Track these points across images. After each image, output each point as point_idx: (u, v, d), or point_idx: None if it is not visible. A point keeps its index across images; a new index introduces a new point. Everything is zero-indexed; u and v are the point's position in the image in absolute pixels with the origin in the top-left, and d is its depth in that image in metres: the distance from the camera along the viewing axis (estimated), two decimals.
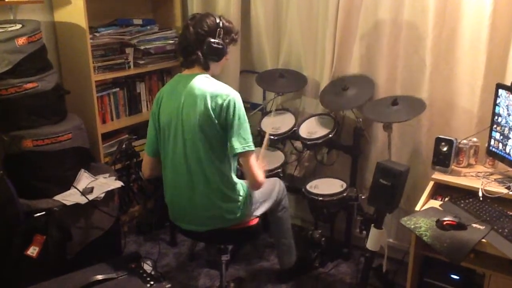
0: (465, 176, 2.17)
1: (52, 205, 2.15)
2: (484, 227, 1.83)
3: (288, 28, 2.88)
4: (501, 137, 2.08)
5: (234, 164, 2.04)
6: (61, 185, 2.30)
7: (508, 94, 2.00)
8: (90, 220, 2.30)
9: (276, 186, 2.30)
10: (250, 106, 3.14)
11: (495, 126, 2.11)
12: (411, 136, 2.54)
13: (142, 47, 2.94)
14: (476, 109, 2.29)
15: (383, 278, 2.39)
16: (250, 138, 1.92)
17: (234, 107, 1.88)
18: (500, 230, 1.80)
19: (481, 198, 2.01)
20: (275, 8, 2.91)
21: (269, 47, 2.98)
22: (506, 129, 2.04)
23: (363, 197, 2.56)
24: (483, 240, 1.77)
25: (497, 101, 2.07)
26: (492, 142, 2.13)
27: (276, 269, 2.68)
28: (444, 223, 1.83)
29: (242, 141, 1.88)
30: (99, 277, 1.82)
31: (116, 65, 2.86)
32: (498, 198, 1.99)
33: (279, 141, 2.79)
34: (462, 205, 2.01)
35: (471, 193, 2.07)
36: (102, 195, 2.30)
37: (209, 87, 1.90)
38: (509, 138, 2.03)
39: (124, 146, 2.88)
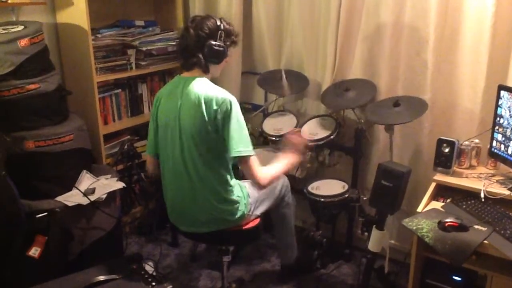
0: (467, 177, 2.17)
1: (54, 206, 2.16)
2: (486, 229, 1.82)
3: (289, 30, 2.89)
4: (503, 138, 2.08)
5: (231, 166, 2.02)
6: (63, 186, 2.30)
7: (510, 96, 2.00)
8: (92, 221, 2.30)
9: (279, 183, 2.28)
10: (251, 108, 3.14)
11: (497, 127, 2.10)
12: (412, 138, 2.54)
13: (144, 48, 2.94)
14: (478, 110, 2.29)
15: (385, 280, 2.39)
16: (248, 142, 1.88)
17: (231, 111, 1.85)
18: (502, 232, 1.80)
19: (483, 200, 2.01)
20: (277, 10, 2.91)
21: (271, 48, 2.99)
22: (508, 130, 2.04)
23: (364, 198, 2.56)
24: (485, 241, 1.76)
25: (499, 103, 2.07)
26: (494, 143, 2.13)
27: (277, 270, 2.68)
28: (446, 224, 1.83)
29: (240, 146, 1.85)
30: (101, 278, 1.82)
31: (118, 66, 2.86)
32: (500, 200, 1.99)
33: (281, 143, 2.79)
34: (464, 206, 2.00)
35: (473, 194, 2.07)
36: (104, 196, 2.31)
37: (205, 91, 1.88)
38: (511, 140, 2.03)
39: (126, 147, 2.89)
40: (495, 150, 2.14)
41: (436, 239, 1.79)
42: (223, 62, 2.00)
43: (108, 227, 2.38)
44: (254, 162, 1.90)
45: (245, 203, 2.05)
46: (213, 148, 1.91)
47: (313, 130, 2.66)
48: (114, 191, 2.40)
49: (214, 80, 2.00)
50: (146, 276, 1.86)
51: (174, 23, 3.17)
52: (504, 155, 2.09)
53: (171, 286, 1.79)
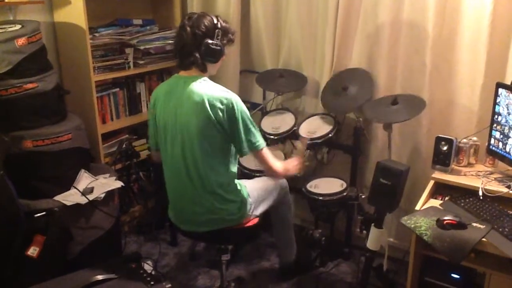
0: (465, 175, 2.17)
1: (53, 205, 2.16)
2: (484, 226, 1.83)
3: (287, 28, 2.89)
4: (501, 136, 2.08)
5: (231, 166, 2.03)
6: (61, 185, 2.30)
7: (508, 93, 2.00)
8: (91, 220, 2.30)
9: (278, 183, 2.29)
10: (250, 106, 3.14)
11: (495, 125, 2.11)
12: (411, 136, 2.54)
13: (142, 47, 2.94)
14: (476, 108, 2.30)
15: (384, 278, 2.39)
16: (257, 136, 1.94)
17: (236, 110, 1.87)
18: (500, 229, 1.80)
19: (481, 197, 2.01)
20: (275, 8, 2.91)
21: (269, 47, 2.99)
22: (506, 128, 2.04)
23: (363, 196, 2.56)
24: (484, 239, 1.77)
25: (497, 100, 2.07)
26: (492, 141, 2.13)
27: (276, 268, 2.68)
28: (445, 222, 1.83)
29: (250, 141, 1.91)
30: (100, 277, 1.81)
31: (116, 65, 2.86)
32: (498, 197, 1.99)
33: (279, 141, 2.79)
34: (462, 204, 2.01)
35: (471, 192, 2.07)
36: (103, 195, 2.30)
37: (208, 91, 1.88)
38: (509, 137, 2.03)
39: (124, 146, 2.88)
40: (493, 148, 2.14)
41: (435, 237, 1.80)
42: (220, 60, 2.00)
43: (107, 226, 2.38)
44: (268, 153, 1.97)
45: (245, 203, 2.05)
46: (215, 148, 1.91)
47: (312, 129, 2.66)
48: (112, 190, 2.39)
49: (211, 78, 2.00)
50: (145, 275, 1.85)
51: (172, 22, 3.17)
52: (502, 152, 2.09)
53: (170, 285, 1.79)
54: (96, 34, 2.72)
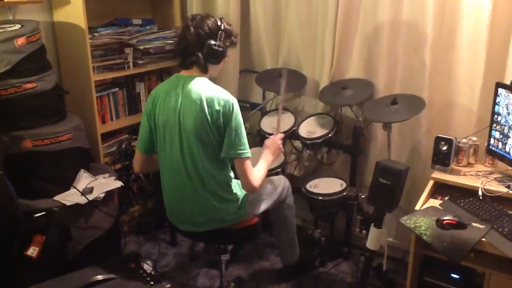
0: (464, 175, 2.18)
1: (52, 205, 2.15)
2: (484, 226, 1.83)
3: (287, 28, 2.89)
4: (501, 136, 2.08)
5: (230, 165, 2.03)
6: (61, 185, 2.29)
7: (507, 93, 2.00)
8: (90, 220, 2.30)
9: (280, 184, 2.29)
10: (249, 106, 3.14)
11: (494, 125, 2.11)
12: (410, 135, 2.54)
13: (141, 47, 2.94)
14: (475, 108, 2.30)
15: (383, 278, 2.39)
16: (246, 144, 1.91)
17: (232, 112, 1.87)
18: (500, 229, 1.80)
19: (480, 197, 2.01)
20: (275, 8, 2.91)
21: (269, 46, 2.99)
22: (506, 128, 2.04)
23: (362, 196, 2.56)
24: (483, 239, 1.77)
25: (497, 100, 2.07)
26: (492, 141, 2.14)
27: (276, 268, 2.68)
28: (444, 222, 1.83)
29: (237, 147, 1.88)
30: (99, 277, 1.81)
31: (115, 65, 2.85)
32: (498, 197, 1.99)
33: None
34: (462, 204, 2.01)
35: (470, 192, 2.07)
36: (102, 195, 2.30)
37: (207, 91, 1.89)
38: (509, 137, 2.03)
39: (123, 146, 2.88)
40: (493, 148, 2.14)
41: (434, 237, 1.80)
42: (222, 62, 2.00)
43: (106, 226, 2.38)
44: (249, 164, 1.94)
45: (244, 203, 2.05)
46: (212, 147, 1.91)
47: (311, 128, 2.66)
48: (112, 190, 2.39)
49: (212, 80, 2.00)
50: (145, 275, 1.86)
51: (172, 22, 3.17)
52: (502, 152, 2.09)
53: (169, 285, 1.79)
54: (96, 34, 2.72)
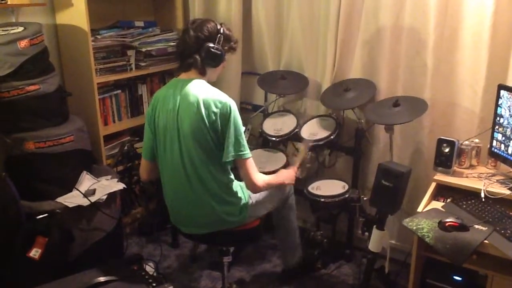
0: (467, 177, 2.17)
1: (54, 207, 2.16)
2: (486, 228, 1.82)
3: (289, 30, 2.89)
4: (503, 138, 2.08)
5: (230, 168, 2.03)
6: (63, 187, 2.30)
7: (510, 95, 2.00)
8: (92, 222, 2.30)
9: (282, 185, 2.29)
10: (251, 108, 3.14)
11: (497, 127, 2.10)
12: (413, 137, 2.54)
13: (143, 49, 2.95)
14: (478, 110, 2.29)
15: (385, 280, 2.38)
16: (245, 145, 1.92)
17: (230, 114, 1.87)
18: (502, 231, 1.80)
19: (483, 199, 2.01)
20: (277, 10, 2.91)
21: (271, 48, 2.99)
22: (508, 130, 2.04)
23: (365, 198, 2.56)
24: (486, 241, 1.76)
25: (499, 102, 2.07)
26: (494, 143, 2.13)
27: (278, 270, 2.68)
28: (446, 224, 1.83)
29: (237, 149, 1.89)
30: (101, 279, 1.82)
31: (117, 67, 2.86)
32: (500, 199, 1.99)
33: (281, 143, 2.79)
34: (464, 206, 2.00)
35: (473, 194, 2.07)
36: (104, 197, 2.31)
37: (204, 93, 1.89)
38: (511, 139, 2.03)
39: (126, 148, 2.89)
40: (495, 150, 2.14)
41: (437, 239, 1.79)
42: (220, 66, 2.01)
43: (109, 228, 2.38)
44: (252, 164, 1.94)
45: (245, 205, 2.05)
46: (210, 149, 1.91)
47: (313, 130, 2.66)
48: (114, 192, 2.39)
49: (214, 83, 2.00)
50: (147, 277, 1.86)
51: (174, 24, 3.18)
52: (504, 154, 2.09)
53: (171, 287, 1.79)
54: (98, 36, 2.73)
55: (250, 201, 2.07)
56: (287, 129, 2.69)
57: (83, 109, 2.68)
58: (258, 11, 2.95)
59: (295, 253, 2.50)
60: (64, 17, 2.65)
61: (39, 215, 2.09)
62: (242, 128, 1.92)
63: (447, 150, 2.18)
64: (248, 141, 2.00)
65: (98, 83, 2.69)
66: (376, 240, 2.13)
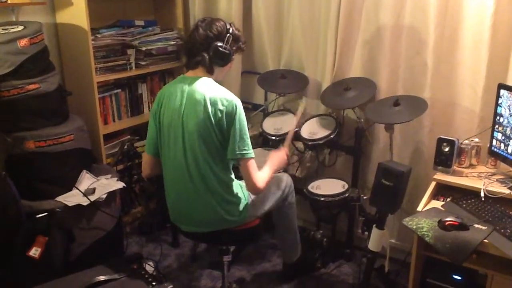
0: (467, 176, 2.17)
1: (54, 206, 2.16)
2: (486, 228, 1.82)
3: (289, 29, 2.89)
4: (503, 137, 2.08)
5: (231, 166, 2.03)
6: (63, 186, 2.30)
7: (510, 95, 2.00)
8: (92, 221, 2.30)
9: (282, 182, 2.28)
10: (251, 107, 3.14)
11: (497, 126, 2.10)
12: (413, 137, 2.54)
13: (143, 48, 2.95)
14: (478, 109, 2.29)
15: (385, 279, 2.39)
16: (249, 144, 1.92)
17: (235, 113, 1.87)
18: (502, 231, 1.80)
19: (483, 199, 2.01)
20: (277, 9, 2.91)
21: (271, 48, 2.99)
22: (508, 129, 2.04)
23: (365, 197, 2.56)
24: (485, 240, 1.76)
25: (499, 102, 2.07)
26: (494, 142, 2.13)
27: (278, 269, 2.68)
28: (446, 223, 1.83)
29: (241, 148, 1.89)
30: (101, 278, 1.82)
31: (117, 66, 2.86)
32: (500, 199, 1.99)
33: (281, 142, 2.79)
34: (464, 205, 2.01)
35: (473, 193, 2.07)
36: (104, 196, 2.31)
37: (210, 91, 1.89)
38: (511, 138, 2.03)
39: (126, 147, 2.89)
40: (495, 149, 2.14)
41: (437, 238, 1.79)
42: (228, 66, 2.01)
43: (109, 227, 2.39)
44: (253, 165, 1.93)
45: (246, 204, 2.05)
46: (215, 147, 1.91)
47: (313, 130, 2.66)
48: (114, 191, 2.40)
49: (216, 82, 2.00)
50: (147, 276, 1.86)
51: (174, 23, 3.17)
52: (504, 154, 2.09)
53: (171, 286, 1.79)
54: (98, 35, 2.73)
55: (250, 201, 2.08)
56: (287, 128, 2.69)
57: (83, 108, 2.68)
58: (258, 10, 2.95)
59: (295, 251, 2.50)
60: (64, 16, 2.65)
61: (39, 214, 2.09)
62: (247, 128, 1.92)
63: (447, 149, 2.18)
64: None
65: (98, 82, 2.69)
66: (376, 240, 2.13)
